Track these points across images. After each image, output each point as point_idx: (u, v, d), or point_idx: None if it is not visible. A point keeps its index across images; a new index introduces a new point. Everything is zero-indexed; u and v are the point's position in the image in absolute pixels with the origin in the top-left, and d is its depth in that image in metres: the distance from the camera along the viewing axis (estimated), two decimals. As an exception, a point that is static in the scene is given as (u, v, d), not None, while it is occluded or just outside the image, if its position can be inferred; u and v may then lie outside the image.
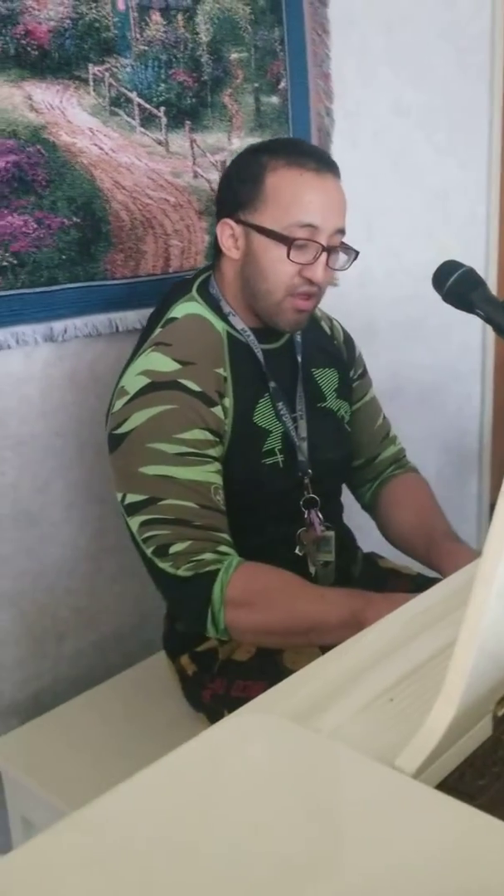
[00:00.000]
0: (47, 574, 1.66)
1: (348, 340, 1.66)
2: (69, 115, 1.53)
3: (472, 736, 0.75)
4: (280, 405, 1.45)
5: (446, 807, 0.64)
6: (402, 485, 1.66)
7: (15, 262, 1.49)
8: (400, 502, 1.63)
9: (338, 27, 2.00)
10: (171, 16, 1.66)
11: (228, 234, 1.42)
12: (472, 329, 2.66)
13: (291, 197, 1.36)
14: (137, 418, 1.34)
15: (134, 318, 1.65)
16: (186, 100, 1.71)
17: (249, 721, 0.79)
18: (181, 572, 1.30)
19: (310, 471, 1.47)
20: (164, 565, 1.31)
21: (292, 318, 1.43)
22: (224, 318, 1.45)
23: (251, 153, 1.43)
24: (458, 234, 2.47)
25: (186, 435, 1.33)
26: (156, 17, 1.63)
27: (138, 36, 1.61)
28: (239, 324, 1.45)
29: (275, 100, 1.89)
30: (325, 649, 0.97)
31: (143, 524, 1.33)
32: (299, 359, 1.52)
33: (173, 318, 1.42)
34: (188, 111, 1.72)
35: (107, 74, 1.58)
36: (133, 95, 1.62)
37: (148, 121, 1.66)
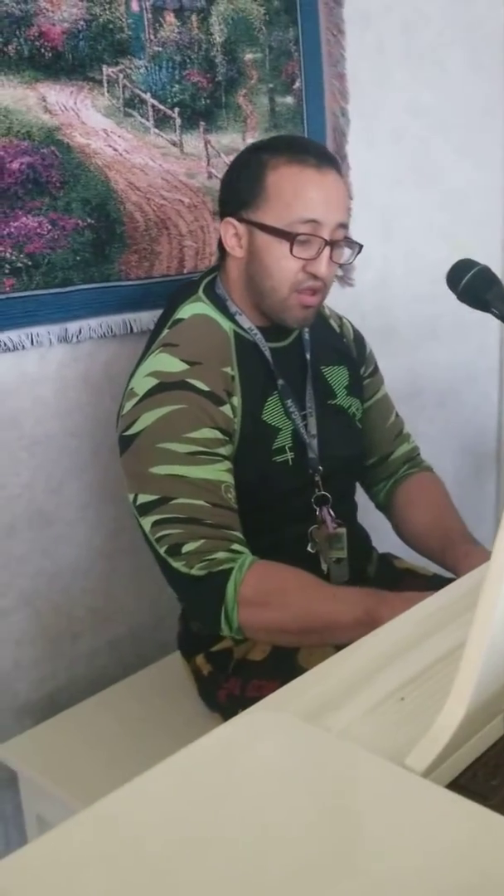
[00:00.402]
0: (63, 574, 1.67)
1: (358, 338, 1.66)
2: (83, 116, 1.53)
3: (483, 735, 0.74)
4: (289, 403, 1.45)
5: (456, 806, 0.64)
6: (417, 484, 1.65)
7: (29, 263, 1.49)
8: (414, 502, 1.63)
9: (353, 27, 1.99)
10: (185, 17, 1.66)
11: (232, 233, 1.42)
12: (489, 329, 2.65)
13: (293, 193, 1.36)
14: (147, 419, 1.34)
15: (148, 318, 1.65)
16: (201, 101, 1.72)
17: (260, 719, 0.79)
18: (194, 571, 1.30)
19: (320, 468, 1.47)
20: (178, 564, 1.31)
21: (299, 314, 1.43)
22: (231, 317, 1.45)
23: (251, 152, 1.43)
24: (474, 234, 2.46)
25: (196, 434, 1.33)
26: (170, 18, 1.63)
27: (152, 37, 1.61)
28: (246, 323, 1.45)
29: (290, 100, 1.89)
30: (339, 648, 0.97)
31: (156, 524, 1.33)
32: (308, 356, 1.52)
33: (180, 319, 1.43)
34: (202, 112, 1.72)
35: (121, 76, 1.58)
36: (147, 96, 1.63)
37: (162, 122, 1.66)
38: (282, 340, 1.50)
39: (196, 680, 1.50)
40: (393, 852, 0.60)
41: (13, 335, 1.50)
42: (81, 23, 1.51)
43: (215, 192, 1.70)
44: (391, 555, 1.69)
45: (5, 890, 0.57)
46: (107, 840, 0.62)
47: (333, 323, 1.63)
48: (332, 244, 1.39)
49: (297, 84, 1.90)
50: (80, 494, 1.67)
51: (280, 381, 1.45)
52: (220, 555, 1.30)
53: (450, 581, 1.43)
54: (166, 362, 1.37)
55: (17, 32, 1.43)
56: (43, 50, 1.47)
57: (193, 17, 1.67)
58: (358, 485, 1.67)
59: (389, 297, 2.29)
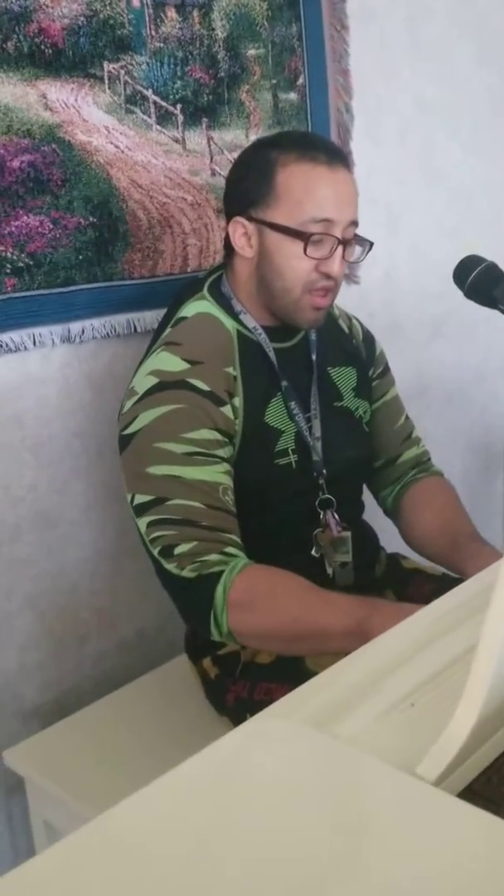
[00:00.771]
0: (68, 575, 1.65)
1: (368, 339, 1.64)
2: (84, 113, 1.52)
3: (497, 739, 0.73)
4: (293, 404, 1.43)
5: (468, 816, 0.62)
6: (425, 488, 1.62)
7: (31, 262, 1.48)
8: (421, 507, 1.59)
9: (357, 22, 1.97)
10: (186, 12, 1.64)
11: (241, 232, 1.41)
12: (497, 327, 2.61)
13: (304, 192, 1.34)
14: (145, 418, 1.33)
15: (152, 318, 1.63)
16: (203, 97, 1.70)
17: (268, 727, 0.77)
18: (186, 573, 1.28)
19: (325, 471, 1.45)
20: (170, 566, 1.30)
21: (311, 315, 1.42)
22: (235, 316, 1.43)
23: (258, 148, 1.41)
24: (481, 231, 2.44)
25: (194, 434, 1.32)
26: (171, 13, 1.62)
27: (154, 33, 1.60)
28: (250, 322, 1.43)
29: (293, 96, 1.87)
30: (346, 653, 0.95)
31: (151, 524, 1.31)
32: (314, 357, 1.50)
33: (183, 318, 1.42)
34: (205, 108, 1.71)
35: (122, 72, 1.56)
36: (149, 93, 1.61)
37: (164, 118, 1.64)
38: (287, 341, 1.48)
39: (203, 683, 1.48)
40: (404, 864, 0.59)
41: (15, 336, 1.49)
42: (82, 19, 1.49)
43: (219, 189, 1.69)
44: (399, 555, 1.66)
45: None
46: (114, 852, 0.62)
47: (342, 323, 1.62)
48: (345, 243, 1.37)
49: (301, 80, 1.88)
50: (85, 495, 1.66)
51: (284, 383, 1.44)
52: (212, 557, 1.28)
53: (460, 581, 1.41)
54: (167, 361, 1.36)
55: (17, 29, 1.42)
56: (43, 46, 1.45)
57: (195, 13, 1.66)
58: (364, 487, 1.65)
59: (396, 294, 2.27)
